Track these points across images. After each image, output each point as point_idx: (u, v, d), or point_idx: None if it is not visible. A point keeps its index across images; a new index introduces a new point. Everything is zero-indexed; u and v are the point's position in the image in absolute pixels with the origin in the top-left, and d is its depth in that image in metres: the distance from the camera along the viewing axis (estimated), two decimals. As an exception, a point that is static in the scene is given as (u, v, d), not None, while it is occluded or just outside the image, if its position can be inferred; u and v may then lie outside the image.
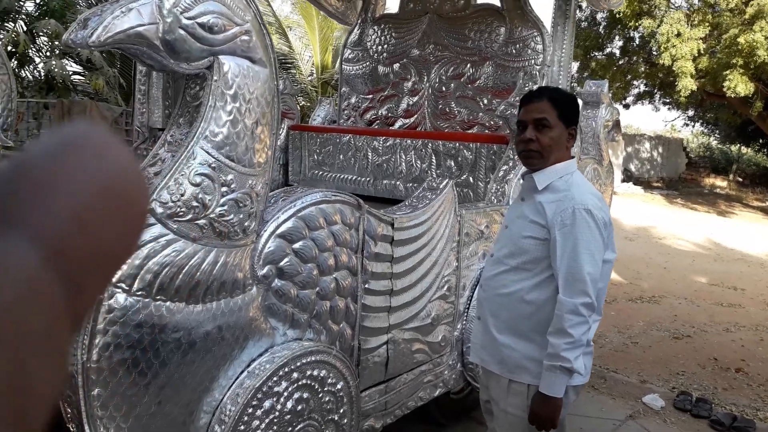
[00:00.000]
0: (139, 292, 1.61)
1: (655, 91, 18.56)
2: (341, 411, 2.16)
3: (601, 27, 17.21)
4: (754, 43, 11.99)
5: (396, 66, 4.15)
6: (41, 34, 11.03)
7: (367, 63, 4.31)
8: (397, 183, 3.72)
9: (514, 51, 3.61)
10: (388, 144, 3.76)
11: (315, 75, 14.26)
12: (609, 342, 5.05)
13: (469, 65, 3.80)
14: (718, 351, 5.02)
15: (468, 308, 2.88)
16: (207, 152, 1.69)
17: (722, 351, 5.03)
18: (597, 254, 1.85)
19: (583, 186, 1.94)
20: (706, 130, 26.29)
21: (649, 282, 7.34)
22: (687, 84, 13.54)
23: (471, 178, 3.40)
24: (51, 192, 0.26)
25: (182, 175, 1.65)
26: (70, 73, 11.62)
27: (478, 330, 2.14)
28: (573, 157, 2.02)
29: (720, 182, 22.18)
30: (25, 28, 11.10)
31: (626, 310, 6.06)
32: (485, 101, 3.72)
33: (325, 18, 12.58)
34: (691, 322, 5.81)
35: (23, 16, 11.34)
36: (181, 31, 1.58)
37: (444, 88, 3.91)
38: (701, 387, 4.25)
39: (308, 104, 12.42)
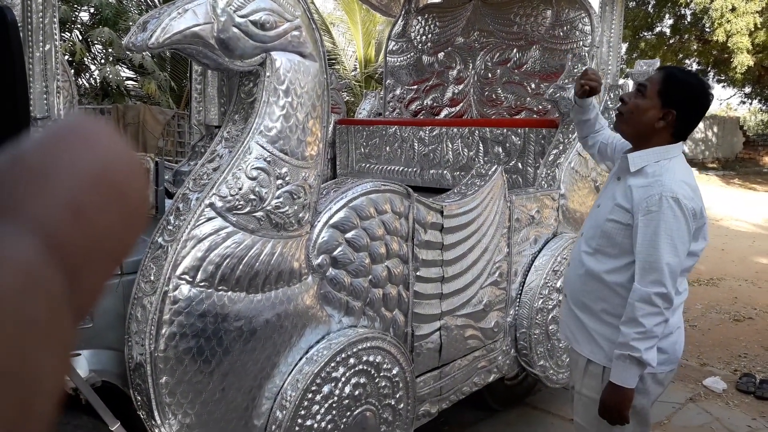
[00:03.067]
0: (202, 283, 1.68)
1: (709, 69, 17.93)
2: (398, 396, 2.20)
3: (650, 6, 16.70)
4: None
5: (440, 55, 4.15)
6: (96, 42, 11.40)
7: (412, 54, 4.32)
8: (444, 172, 3.73)
9: (561, 33, 3.56)
10: (434, 133, 3.76)
11: (358, 70, 14.30)
12: (667, 326, 4.93)
13: (515, 50, 3.77)
14: (782, 333, 4.85)
15: (521, 294, 2.88)
16: (262, 147, 1.75)
17: (787, 333, 4.86)
18: (680, 245, 1.76)
19: (679, 173, 1.84)
20: (764, 108, 25.23)
21: (706, 264, 7.11)
22: (743, 60, 13.09)
23: (520, 164, 3.37)
24: (46, 181, 0.26)
25: (239, 169, 1.72)
26: (124, 78, 11.98)
27: (564, 307, 2.12)
28: (677, 142, 1.92)
29: (782, 160, 21.28)
30: (80, 37, 11.49)
31: (684, 293, 5.90)
32: (533, 86, 3.69)
33: (368, 12, 12.61)
34: (753, 303, 5.63)
35: (78, 26, 11.73)
36: (235, 30, 1.64)
37: (490, 75, 3.89)
38: (765, 369, 4.12)
39: (352, 99, 12.47)
